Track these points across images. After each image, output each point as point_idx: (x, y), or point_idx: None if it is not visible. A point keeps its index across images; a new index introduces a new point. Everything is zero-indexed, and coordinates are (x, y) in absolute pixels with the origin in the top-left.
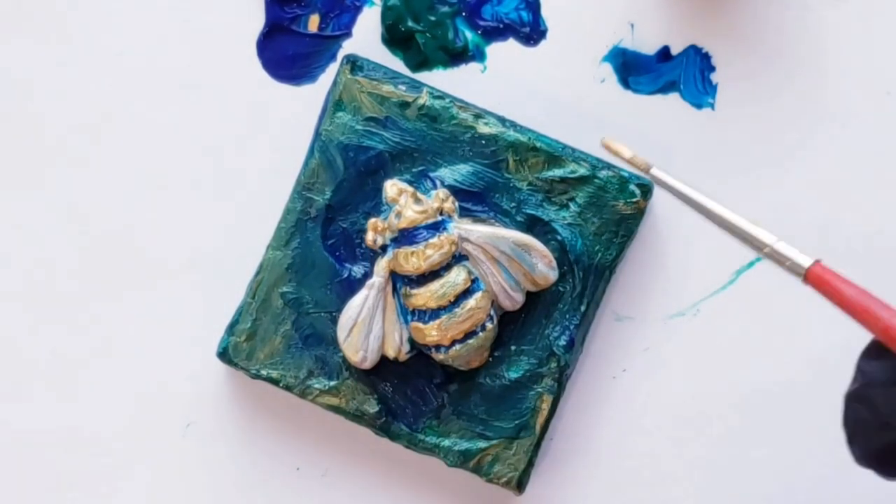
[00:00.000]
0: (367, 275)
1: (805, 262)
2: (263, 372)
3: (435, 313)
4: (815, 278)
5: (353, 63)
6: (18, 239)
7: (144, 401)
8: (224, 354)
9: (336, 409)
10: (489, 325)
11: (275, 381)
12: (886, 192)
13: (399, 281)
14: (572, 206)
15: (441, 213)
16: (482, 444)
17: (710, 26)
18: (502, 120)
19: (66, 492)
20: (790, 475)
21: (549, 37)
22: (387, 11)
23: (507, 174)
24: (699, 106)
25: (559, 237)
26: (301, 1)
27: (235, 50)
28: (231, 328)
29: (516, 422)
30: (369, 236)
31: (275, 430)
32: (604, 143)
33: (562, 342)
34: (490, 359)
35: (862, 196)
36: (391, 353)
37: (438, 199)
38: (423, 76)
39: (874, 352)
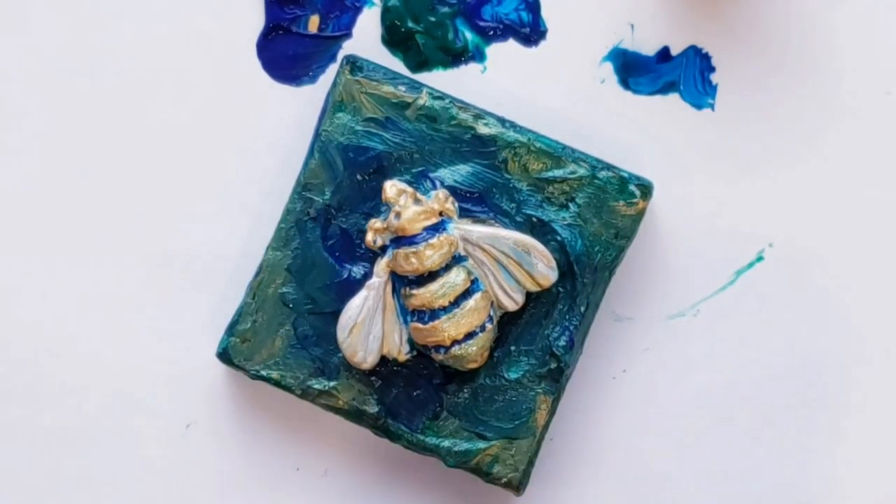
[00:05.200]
0: (367, 275)
1: None
2: (263, 372)
3: (434, 314)
4: None
5: (353, 64)
6: (18, 238)
7: (144, 401)
8: (224, 354)
9: (336, 410)
10: (489, 326)
11: (275, 382)
12: (887, 191)
13: (399, 281)
14: (572, 207)
15: (441, 214)
16: (482, 444)
17: (710, 26)
18: (502, 120)
19: (66, 492)
20: (790, 475)
21: (549, 37)
22: (386, 12)
23: (506, 175)
24: (699, 106)
25: (559, 237)
26: (301, 1)
27: (235, 50)
28: (231, 328)
29: (516, 422)
30: (369, 237)
31: (275, 430)
32: None
33: (561, 342)
34: (490, 359)
35: (862, 196)
36: (391, 354)
37: (438, 199)
38: (422, 77)
39: None
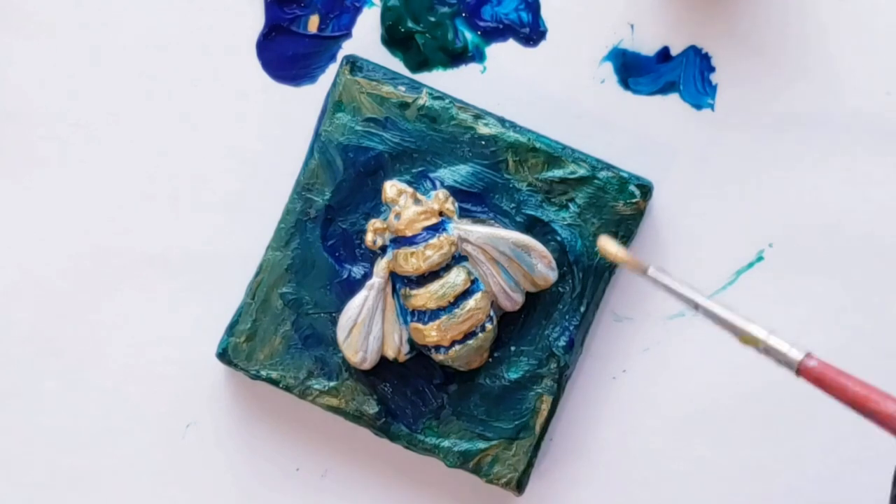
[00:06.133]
0: (367, 275)
1: (797, 355)
2: (263, 372)
3: (434, 314)
4: (807, 372)
5: (353, 64)
6: (18, 238)
7: (144, 401)
8: (224, 355)
9: (336, 410)
10: (489, 326)
11: (275, 382)
12: (886, 192)
13: (399, 282)
14: (572, 207)
15: (441, 214)
16: (482, 444)
17: (710, 27)
18: (502, 120)
19: (66, 492)
20: (789, 475)
21: (548, 37)
22: (386, 12)
23: (506, 175)
24: (699, 107)
25: (559, 238)
26: (301, 1)
27: (235, 50)
28: (231, 329)
29: (516, 422)
30: (369, 237)
31: (275, 430)
32: (599, 245)
33: (561, 343)
34: (490, 359)
35: (862, 196)
36: (391, 354)
37: (438, 199)
38: (422, 77)
39: None
